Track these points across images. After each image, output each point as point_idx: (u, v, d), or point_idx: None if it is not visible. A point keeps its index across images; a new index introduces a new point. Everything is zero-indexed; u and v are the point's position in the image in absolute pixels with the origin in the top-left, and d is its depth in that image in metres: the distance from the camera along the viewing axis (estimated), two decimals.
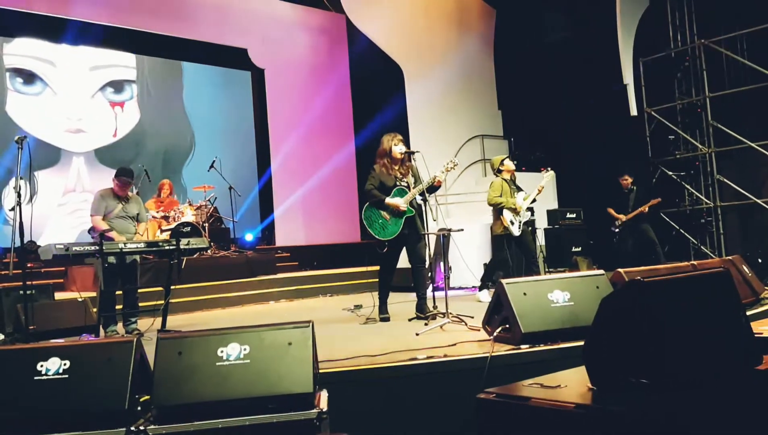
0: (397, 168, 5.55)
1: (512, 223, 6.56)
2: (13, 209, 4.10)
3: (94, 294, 6.41)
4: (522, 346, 3.56)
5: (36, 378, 2.85)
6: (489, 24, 12.04)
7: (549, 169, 6.74)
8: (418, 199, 5.48)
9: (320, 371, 3.16)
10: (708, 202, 10.59)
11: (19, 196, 4.01)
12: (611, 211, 8.81)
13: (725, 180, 10.35)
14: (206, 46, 11.67)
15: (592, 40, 10.73)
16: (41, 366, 2.87)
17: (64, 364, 2.87)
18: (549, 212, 9.37)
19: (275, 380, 2.82)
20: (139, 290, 6.05)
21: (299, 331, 2.96)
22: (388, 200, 5.37)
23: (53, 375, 2.85)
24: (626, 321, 2.39)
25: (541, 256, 7.87)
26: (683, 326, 2.44)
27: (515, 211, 6.54)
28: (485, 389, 2.46)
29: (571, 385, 2.50)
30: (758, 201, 9.89)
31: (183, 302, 7.59)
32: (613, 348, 2.43)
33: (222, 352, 2.88)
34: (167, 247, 5.63)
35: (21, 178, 3.98)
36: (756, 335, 2.69)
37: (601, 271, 4.11)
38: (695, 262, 4.79)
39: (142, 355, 3.00)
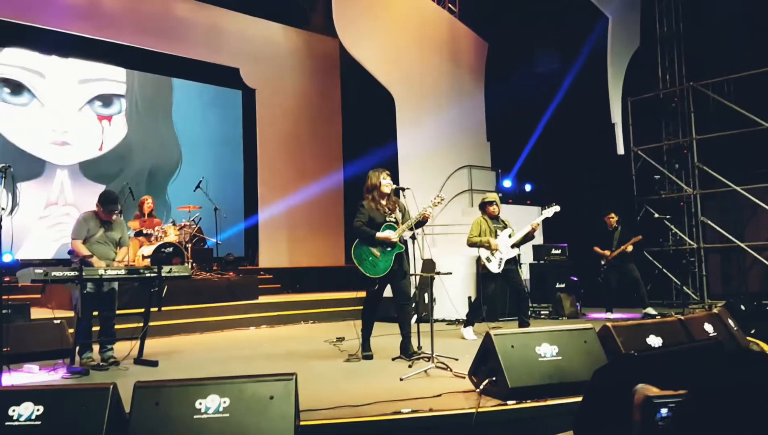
0: (384, 203, 5.51)
1: (489, 260, 6.53)
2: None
3: (71, 314, 6.27)
4: (509, 402, 3.50)
5: (7, 423, 2.74)
6: (481, 57, 12.12)
7: (554, 204, 6.67)
8: (407, 234, 5.44)
9: (301, 423, 3.08)
10: (691, 243, 10.67)
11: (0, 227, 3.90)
12: (597, 249, 8.82)
13: (709, 222, 10.44)
14: (198, 63, 11.62)
15: (582, 78, 10.84)
16: (13, 411, 2.77)
17: (37, 410, 2.77)
18: (534, 248, 9.37)
19: None
20: (117, 312, 5.91)
21: (282, 384, 2.88)
22: (379, 234, 5.31)
23: (25, 421, 2.75)
24: (618, 395, 2.35)
25: (526, 294, 7.83)
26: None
27: (491, 249, 6.51)
28: None
29: None
30: (741, 244, 9.98)
31: (161, 326, 7.43)
32: (605, 421, 2.39)
33: (200, 404, 2.79)
34: (149, 275, 5.52)
35: (3, 209, 3.87)
36: None
37: (590, 325, 4.06)
38: (682, 317, 4.76)
39: (117, 401, 2.90)
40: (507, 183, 11.37)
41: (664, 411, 1.73)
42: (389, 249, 5.34)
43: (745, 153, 9.96)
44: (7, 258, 10.53)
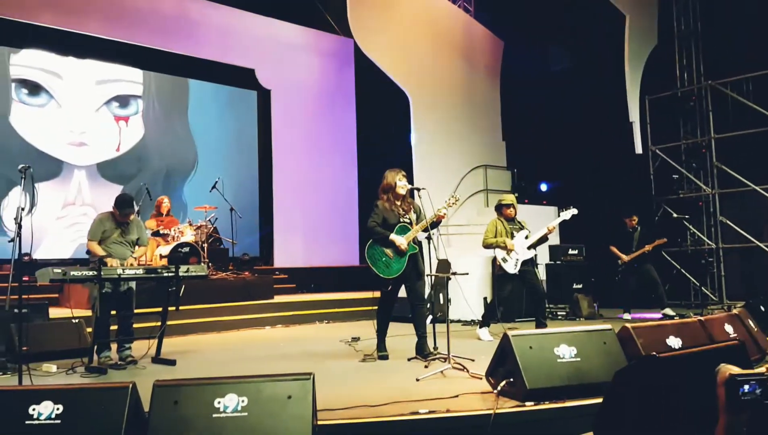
0: (399, 204, 5.50)
1: (504, 260, 6.50)
2: (19, 227, 3.95)
3: (89, 312, 6.32)
4: (527, 403, 3.47)
5: (27, 422, 2.76)
6: (496, 55, 12.08)
7: (572, 207, 6.61)
8: (421, 235, 5.43)
9: (319, 422, 3.07)
10: (710, 243, 10.56)
11: (20, 227, 3.93)
12: (614, 249, 8.74)
13: (727, 221, 10.32)
14: (214, 64, 11.67)
15: (599, 77, 10.76)
16: (33, 410, 2.78)
17: (57, 409, 2.79)
18: (551, 248, 9.30)
19: None
20: (135, 311, 5.94)
21: (299, 383, 2.88)
22: (393, 236, 5.30)
23: (45, 420, 2.77)
24: (640, 396, 2.32)
25: (543, 295, 7.77)
26: (697, 402, 2.37)
27: (507, 250, 6.48)
28: None
29: None
30: (760, 244, 9.86)
31: (178, 325, 7.47)
32: (626, 422, 2.36)
33: (219, 402, 2.80)
34: (166, 274, 5.54)
35: (23, 209, 3.89)
36: None
37: (609, 326, 4.02)
38: (702, 318, 4.71)
39: (136, 400, 2.91)
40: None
41: (746, 387, 1.90)
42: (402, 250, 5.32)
43: (764, 152, 9.83)
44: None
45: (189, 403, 2.80)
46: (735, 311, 5.21)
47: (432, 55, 11.17)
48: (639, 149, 10.34)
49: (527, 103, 11.59)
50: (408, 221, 5.44)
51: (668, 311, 8.28)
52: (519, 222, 6.73)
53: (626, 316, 8.43)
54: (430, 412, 3.33)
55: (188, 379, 2.97)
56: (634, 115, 10.20)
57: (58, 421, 2.76)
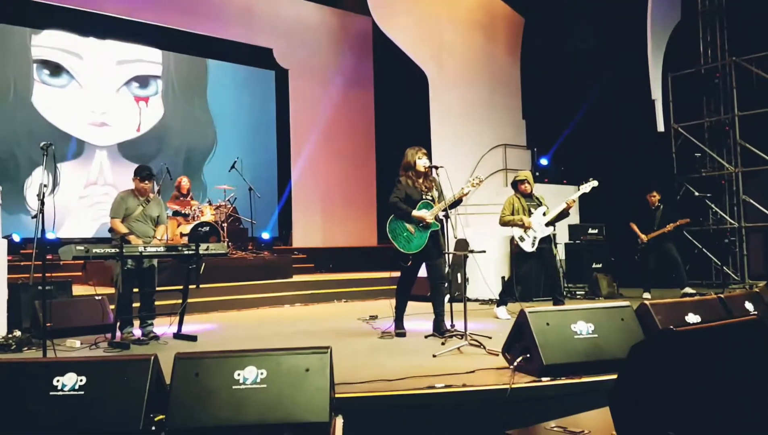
0: (421, 181, 5.50)
1: (522, 239, 6.47)
2: (42, 204, 4.00)
3: (111, 290, 6.42)
4: (543, 379, 3.48)
5: (52, 393, 2.83)
6: (517, 33, 11.92)
7: (592, 179, 6.53)
8: (441, 213, 5.43)
9: (336, 395, 3.11)
10: (732, 222, 10.42)
11: (42, 203, 3.99)
12: (634, 226, 8.65)
13: (751, 200, 10.17)
14: (232, 44, 11.69)
15: (621, 53, 10.58)
16: (57, 381, 2.85)
17: (81, 380, 2.85)
18: (570, 227, 9.24)
19: (291, 407, 2.78)
20: (156, 289, 6.02)
21: (317, 357, 2.91)
22: (415, 213, 5.32)
23: (69, 391, 2.84)
24: (656, 371, 2.31)
25: (560, 272, 7.74)
26: (715, 378, 2.36)
27: (524, 227, 6.45)
28: (506, 432, 2.40)
29: (596, 431, 2.44)
30: None
31: (199, 302, 7.57)
32: (642, 397, 2.36)
33: (239, 375, 2.85)
34: (186, 252, 5.61)
35: (45, 186, 3.95)
36: None
37: (627, 303, 4.01)
38: (722, 295, 4.67)
39: (158, 372, 2.97)
40: (543, 161, 11.17)
41: None
42: (424, 226, 5.34)
43: None
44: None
45: (210, 375, 2.85)
46: (756, 289, 5.16)
47: (451, 32, 11.06)
48: (661, 127, 10.17)
49: (548, 81, 11.43)
50: (431, 199, 5.45)
51: (688, 290, 8.21)
52: (537, 198, 6.68)
53: (646, 295, 8.37)
54: (447, 386, 3.36)
55: (209, 351, 3.02)
56: (657, 93, 10.02)
57: (82, 392, 2.83)
